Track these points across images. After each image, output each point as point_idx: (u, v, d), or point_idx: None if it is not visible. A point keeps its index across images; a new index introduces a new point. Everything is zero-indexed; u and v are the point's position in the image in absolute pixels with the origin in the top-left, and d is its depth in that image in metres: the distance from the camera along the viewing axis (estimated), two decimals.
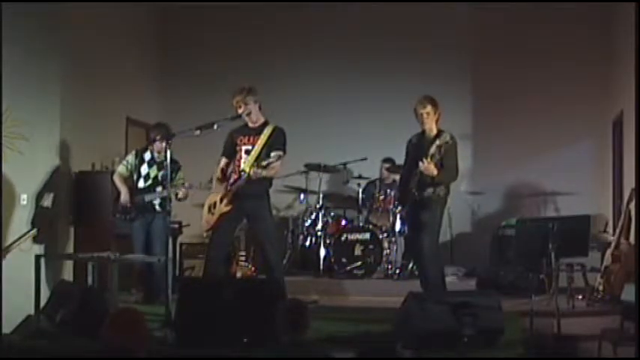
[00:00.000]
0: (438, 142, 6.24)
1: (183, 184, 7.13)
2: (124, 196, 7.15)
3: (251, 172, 6.19)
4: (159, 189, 7.16)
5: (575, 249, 6.10)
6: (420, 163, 6.19)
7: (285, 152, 6.36)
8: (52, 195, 7.29)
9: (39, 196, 7.30)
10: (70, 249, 7.55)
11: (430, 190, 6.33)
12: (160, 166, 7.20)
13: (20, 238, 7.03)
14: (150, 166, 7.27)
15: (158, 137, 7.10)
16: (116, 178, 7.29)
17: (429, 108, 6.37)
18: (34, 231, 7.16)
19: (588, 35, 9.21)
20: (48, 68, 7.38)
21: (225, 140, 6.55)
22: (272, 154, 6.25)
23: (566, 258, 6.59)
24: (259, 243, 6.71)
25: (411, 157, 6.53)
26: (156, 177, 7.25)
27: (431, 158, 6.18)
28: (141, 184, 7.24)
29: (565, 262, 6.80)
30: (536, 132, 9.24)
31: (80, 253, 7.22)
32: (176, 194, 7.03)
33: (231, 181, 6.39)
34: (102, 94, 8.31)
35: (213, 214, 6.42)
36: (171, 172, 6.86)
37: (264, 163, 6.16)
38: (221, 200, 6.36)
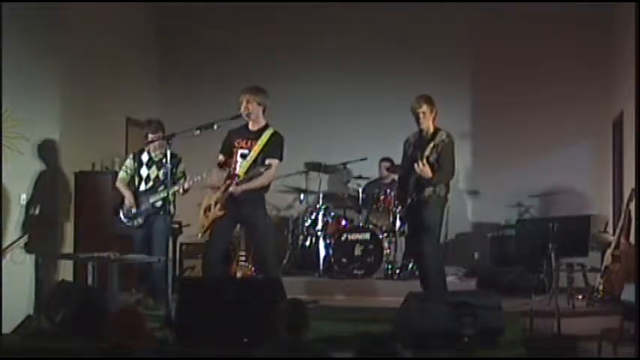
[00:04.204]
0: (434, 141, 6.23)
1: (184, 175, 7.01)
2: (129, 200, 7.08)
3: (231, 189, 6.20)
4: (161, 188, 7.05)
5: (575, 249, 6.11)
6: (415, 166, 6.18)
7: (281, 159, 6.32)
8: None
9: (29, 203, 7.22)
10: (70, 249, 7.55)
11: (430, 190, 6.32)
12: (159, 164, 7.13)
13: (13, 243, 7.00)
14: (149, 167, 7.19)
15: (150, 132, 7.06)
16: (119, 185, 7.22)
17: (425, 107, 6.36)
18: (25, 237, 7.12)
19: (588, 35, 9.21)
20: (48, 68, 7.37)
21: (224, 138, 6.52)
22: (266, 161, 6.22)
23: (566, 258, 6.59)
24: (254, 247, 6.80)
25: (408, 156, 6.53)
26: (157, 177, 7.15)
27: (427, 158, 6.18)
28: (142, 186, 7.17)
29: (565, 262, 6.80)
30: (536, 132, 9.24)
31: (80, 253, 7.21)
32: (184, 189, 6.89)
33: (226, 185, 6.31)
34: (102, 94, 8.31)
35: (207, 217, 6.40)
36: (172, 168, 6.84)
37: (248, 177, 6.16)
38: (215, 204, 6.33)
